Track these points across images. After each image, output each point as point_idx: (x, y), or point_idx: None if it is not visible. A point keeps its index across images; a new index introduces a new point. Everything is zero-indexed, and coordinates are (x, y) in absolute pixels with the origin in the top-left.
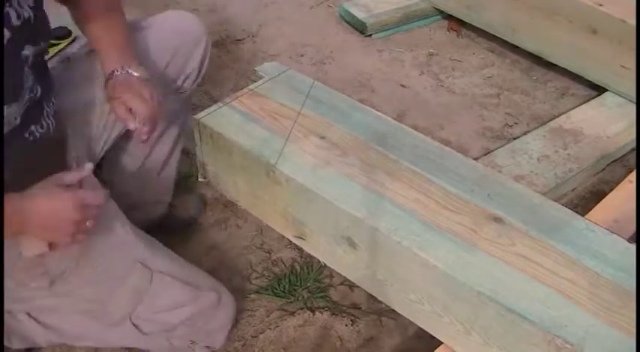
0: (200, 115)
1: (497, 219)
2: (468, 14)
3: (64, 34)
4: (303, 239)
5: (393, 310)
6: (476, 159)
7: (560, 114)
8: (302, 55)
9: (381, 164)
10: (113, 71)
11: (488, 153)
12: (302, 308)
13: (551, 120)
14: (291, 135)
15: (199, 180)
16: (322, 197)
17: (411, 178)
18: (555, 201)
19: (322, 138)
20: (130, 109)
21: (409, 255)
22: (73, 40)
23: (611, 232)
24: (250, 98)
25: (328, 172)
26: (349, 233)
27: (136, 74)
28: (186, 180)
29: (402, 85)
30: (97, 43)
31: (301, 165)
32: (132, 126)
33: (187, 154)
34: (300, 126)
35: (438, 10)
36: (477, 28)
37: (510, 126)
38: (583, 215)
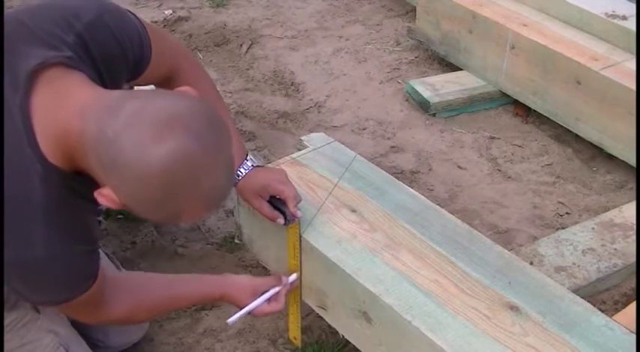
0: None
1: (514, 308)
2: (533, 100)
3: None
4: (325, 309)
5: None
6: (520, 246)
7: (614, 208)
8: (364, 129)
9: (406, 242)
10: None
11: (534, 241)
12: None
13: (603, 212)
14: (324, 206)
15: (235, 241)
16: (342, 269)
17: (434, 259)
18: (596, 296)
19: (353, 211)
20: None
21: (418, 335)
22: None
23: (631, 332)
24: (291, 166)
25: (353, 245)
26: (365, 308)
27: (254, 163)
28: (227, 242)
29: (459, 167)
30: None
31: (328, 236)
32: (281, 222)
33: (228, 216)
34: (334, 198)
35: (504, 94)
36: (543, 114)
37: (561, 215)
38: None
